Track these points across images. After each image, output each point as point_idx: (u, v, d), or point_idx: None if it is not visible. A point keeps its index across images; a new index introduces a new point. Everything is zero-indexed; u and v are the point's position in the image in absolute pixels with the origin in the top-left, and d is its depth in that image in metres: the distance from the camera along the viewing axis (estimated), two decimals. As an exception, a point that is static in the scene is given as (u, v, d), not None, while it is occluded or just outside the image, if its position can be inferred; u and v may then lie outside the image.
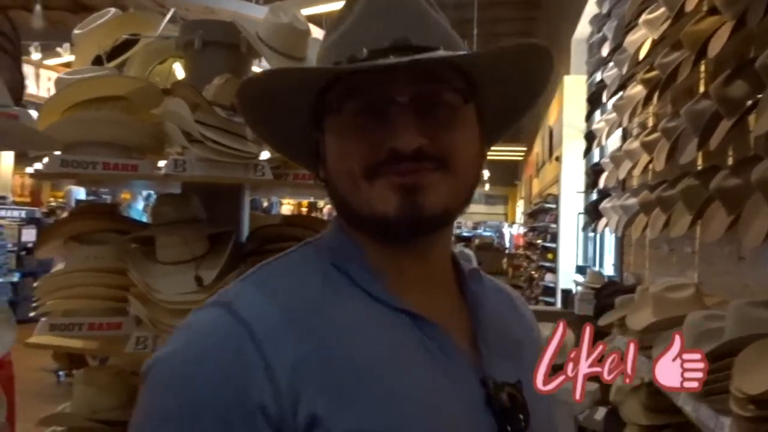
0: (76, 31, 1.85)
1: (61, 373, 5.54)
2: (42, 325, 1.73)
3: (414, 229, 0.63)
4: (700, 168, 2.24)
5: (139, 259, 1.67)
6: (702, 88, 2.39)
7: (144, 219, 2.43)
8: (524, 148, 14.96)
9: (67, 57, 5.24)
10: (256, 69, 1.90)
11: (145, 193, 6.58)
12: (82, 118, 1.64)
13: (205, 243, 1.68)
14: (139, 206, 6.47)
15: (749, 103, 1.70)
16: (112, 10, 1.90)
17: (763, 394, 1.21)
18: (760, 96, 1.62)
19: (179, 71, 2.06)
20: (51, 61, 6.97)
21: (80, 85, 1.62)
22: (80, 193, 8.08)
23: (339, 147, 0.64)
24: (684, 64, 2.22)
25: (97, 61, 1.84)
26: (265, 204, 6.85)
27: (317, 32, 2.85)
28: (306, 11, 5.24)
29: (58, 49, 6.50)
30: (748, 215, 1.63)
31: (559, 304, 6.05)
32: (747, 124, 1.83)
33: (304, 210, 13.34)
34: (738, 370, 1.36)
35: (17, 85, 0.89)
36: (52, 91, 1.72)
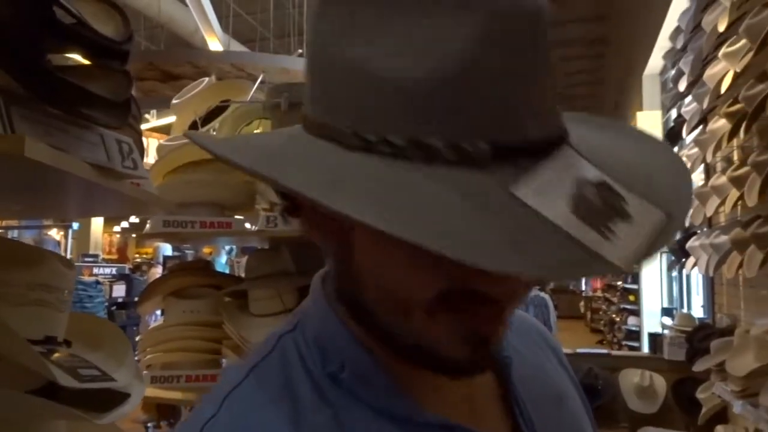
0: (174, 101, 1.99)
1: (150, 424, 5.72)
2: (144, 378, 1.82)
3: (479, 371, 0.47)
4: (798, 202, 2.13)
5: (233, 312, 1.74)
6: (793, 119, 2.29)
7: (227, 272, 2.53)
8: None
9: (154, 122, 5.62)
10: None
11: (227, 247, 6.85)
12: (182, 180, 1.75)
13: (295, 295, 1.74)
14: (222, 260, 6.73)
15: None
16: (206, 79, 2.05)
17: None
18: None
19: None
20: (143, 126, 7.49)
21: (180, 150, 1.74)
22: (167, 249, 8.49)
23: (387, 257, 0.43)
24: (772, 95, 2.15)
25: (193, 127, 1.97)
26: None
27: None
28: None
29: (146, 116, 6.98)
30: None
31: (645, 349, 5.77)
32: None
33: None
34: None
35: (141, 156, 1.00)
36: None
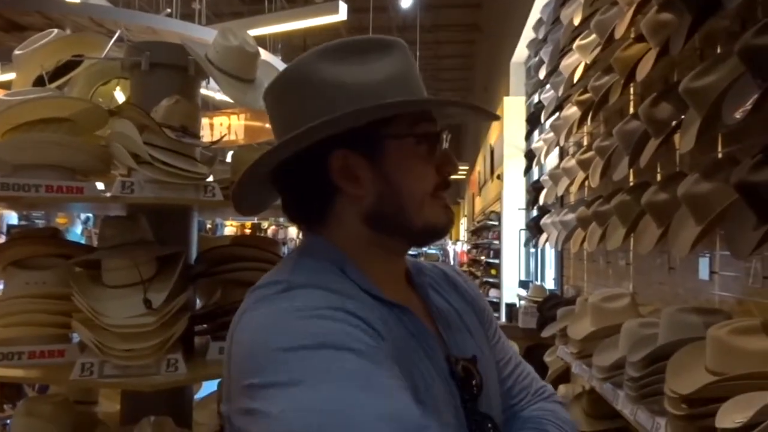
0: (16, 52, 1.80)
1: (-9, 407, 5.24)
2: (-23, 354, 1.66)
3: (440, 238, 0.82)
4: (632, 184, 2.37)
5: (84, 283, 1.63)
6: (632, 110, 2.54)
7: (83, 243, 2.36)
8: (466, 167, 15.28)
9: (1, 76, 5.06)
10: (203, 91, 1.89)
11: (83, 216, 6.37)
12: (24, 140, 1.60)
13: (153, 265, 1.66)
14: (77, 230, 6.25)
15: (674, 123, 1.83)
16: (55, 30, 1.87)
17: (694, 393, 1.30)
18: (683, 117, 1.74)
19: (119, 95, 2.04)
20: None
21: (21, 107, 1.59)
22: (12, 218, 7.72)
23: (412, 167, 0.76)
24: (615, 87, 2.36)
25: (39, 82, 1.80)
26: (209, 226, 6.75)
27: (265, 54, 2.87)
28: (253, 32, 5.26)
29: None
30: (676, 227, 1.74)
31: (503, 319, 6.18)
32: (673, 142, 1.96)
33: (248, 231, 13.15)
34: (670, 372, 1.45)
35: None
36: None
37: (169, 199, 1.57)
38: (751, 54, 1.22)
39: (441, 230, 0.79)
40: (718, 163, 1.60)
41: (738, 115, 1.34)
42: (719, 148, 1.84)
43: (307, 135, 0.71)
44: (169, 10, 6.48)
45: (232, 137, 6.72)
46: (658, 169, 2.31)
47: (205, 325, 1.88)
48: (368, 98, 0.72)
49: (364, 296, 0.74)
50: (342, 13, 5.31)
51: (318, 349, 0.61)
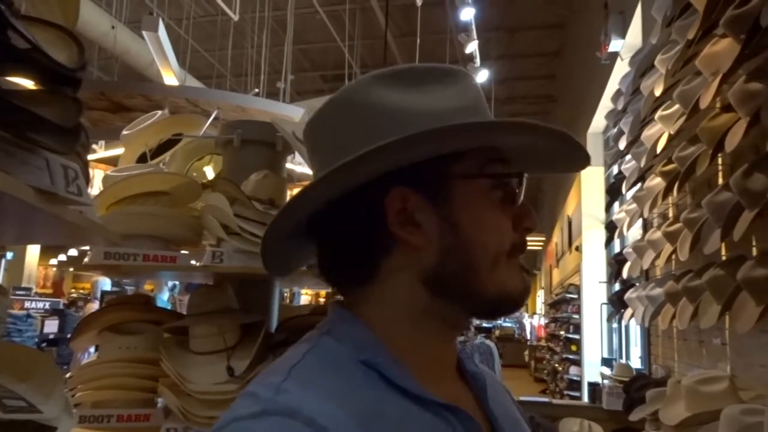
0: (124, 132, 1.97)
1: (75, 468, 5.39)
2: (72, 413, 1.74)
3: (515, 310, 0.65)
4: (724, 258, 2.25)
5: (172, 349, 1.69)
6: (720, 180, 2.44)
7: (169, 309, 2.46)
8: (543, 238, 14.98)
9: (102, 153, 5.50)
10: (289, 165, 1.98)
11: (170, 284, 6.66)
12: (126, 212, 1.72)
13: (237, 333, 1.71)
14: (164, 296, 6.53)
15: (770, 194, 1.74)
16: (158, 112, 2.04)
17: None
18: (780, 188, 1.66)
19: (209, 170, 2.17)
20: (90, 156, 7.28)
21: (127, 182, 1.71)
22: (106, 284, 8.18)
23: (486, 216, 0.61)
24: (702, 157, 2.29)
25: (142, 159, 1.95)
26: (287, 294, 6.88)
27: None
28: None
29: (94, 146, 6.83)
30: (778, 306, 1.63)
31: (585, 398, 5.85)
32: (768, 214, 1.86)
33: (323, 300, 13.31)
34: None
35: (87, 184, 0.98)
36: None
37: (255, 269, 1.63)
38: None
39: (518, 299, 0.63)
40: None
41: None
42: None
43: (360, 164, 0.57)
44: (257, 90, 6.91)
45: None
46: (753, 242, 2.19)
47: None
48: (434, 123, 0.58)
49: (395, 401, 0.58)
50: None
51: None
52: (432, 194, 0.61)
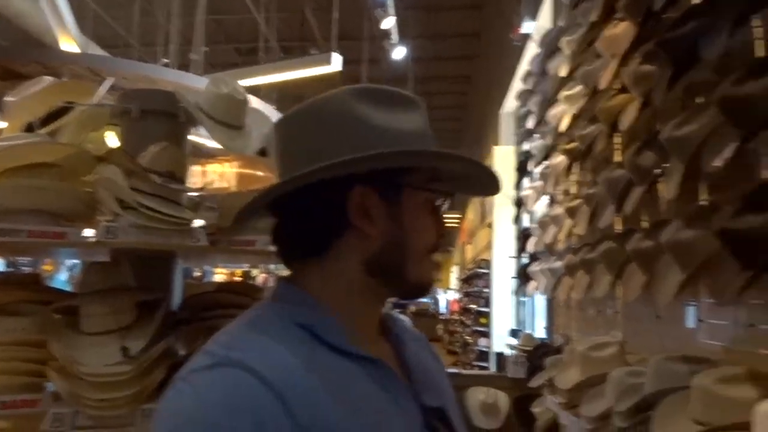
0: (8, 99, 1.82)
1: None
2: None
3: (424, 296, 0.84)
4: (618, 231, 2.38)
5: (61, 330, 1.60)
6: (617, 158, 2.58)
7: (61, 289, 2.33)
8: (458, 216, 15.35)
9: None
10: (197, 138, 1.91)
11: (69, 263, 6.31)
12: (11, 185, 1.60)
13: (133, 312, 1.63)
14: (62, 277, 6.18)
15: (658, 171, 1.85)
16: (47, 78, 1.90)
17: (682, 445, 1.27)
18: (666, 165, 1.77)
19: (114, 140, 2.05)
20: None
21: (10, 152, 1.59)
22: (-1, 263, 7.64)
23: (421, 221, 0.79)
24: (600, 136, 2.40)
25: (29, 129, 1.81)
26: (198, 273, 6.70)
27: (258, 103, 2.91)
28: (247, 82, 5.34)
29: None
30: (660, 275, 1.74)
31: (493, 368, 6.10)
32: (656, 190, 1.98)
33: (238, 279, 13.04)
34: (657, 422, 1.43)
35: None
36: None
37: (152, 243, 1.56)
38: (729, 104, 1.25)
39: (428, 289, 0.81)
40: (702, 211, 1.61)
41: (718, 164, 1.36)
42: (703, 196, 1.86)
43: (343, 166, 0.72)
44: (166, 60, 6.59)
45: (224, 185, 6.74)
46: (644, 217, 2.33)
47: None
48: (401, 145, 0.75)
49: (327, 356, 0.72)
50: (336, 65, 5.41)
51: None
52: (387, 196, 0.76)
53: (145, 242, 1.56)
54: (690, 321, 2.03)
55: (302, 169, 0.73)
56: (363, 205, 0.75)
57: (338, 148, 0.73)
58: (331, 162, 0.72)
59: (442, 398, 0.83)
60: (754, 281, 1.18)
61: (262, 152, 1.88)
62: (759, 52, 1.27)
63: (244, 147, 1.78)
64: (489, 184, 0.84)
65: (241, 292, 1.94)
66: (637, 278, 1.94)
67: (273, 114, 2.93)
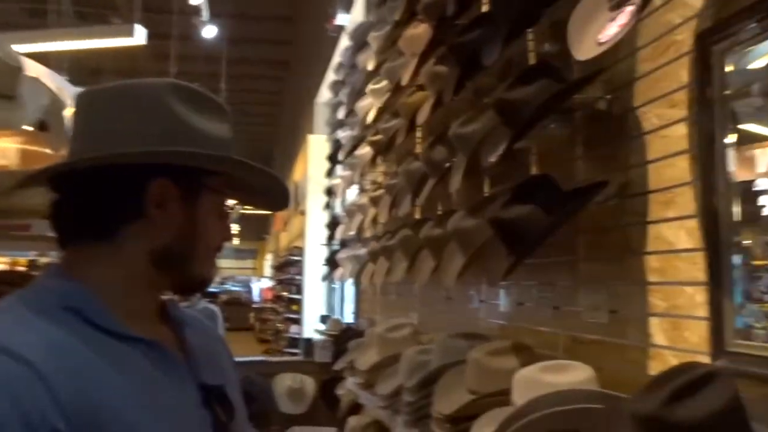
0: None
1: None
2: None
3: (202, 291, 0.92)
4: (415, 220, 2.55)
5: None
6: (417, 151, 2.75)
7: None
8: (273, 203, 15.19)
9: None
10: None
11: None
12: None
13: None
14: None
15: (448, 165, 2.01)
16: None
17: (455, 413, 1.41)
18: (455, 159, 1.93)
19: None
20: None
21: None
22: None
23: (212, 222, 0.82)
24: (401, 130, 2.54)
25: None
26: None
27: (39, 69, 2.60)
28: (34, 47, 4.72)
29: None
30: (446, 259, 1.90)
31: (302, 354, 6.18)
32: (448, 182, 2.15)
33: (19, 269, 11.64)
34: (439, 394, 1.56)
35: None
36: None
37: None
38: (501, 106, 1.40)
39: (207, 284, 0.86)
40: (482, 202, 1.79)
41: (493, 159, 1.52)
42: (485, 189, 2.06)
43: (148, 156, 0.74)
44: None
45: (3, 162, 5.92)
46: (439, 207, 2.52)
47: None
48: (209, 148, 0.77)
49: (96, 339, 0.71)
50: (139, 38, 5.01)
51: None
52: (186, 193, 0.78)
53: None
54: (475, 301, 2.24)
55: (104, 149, 0.73)
56: (161, 197, 0.76)
57: (147, 136, 0.74)
58: (148, 149, 0.74)
59: (222, 378, 0.85)
60: (517, 266, 1.34)
61: (41, 126, 1.69)
62: (531, 60, 1.44)
63: (16, 120, 1.59)
64: (280, 199, 0.90)
65: (11, 282, 1.74)
66: (428, 263, 2.10)
67: (63, 85, 2.64)
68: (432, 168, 2.05)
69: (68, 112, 2.17)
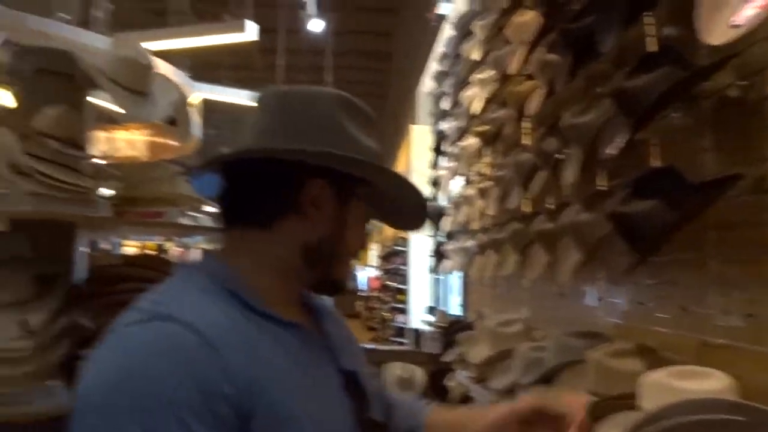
0: None
1: None
2: None
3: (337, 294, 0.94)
4: (525, 213, 2.49)
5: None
6: (525, 142, 2.68)
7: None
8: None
9: None
10: (91, 99, 1.82)
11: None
12: None
13: (31, 285, 1.56)
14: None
15: (560, 156, 1.94)
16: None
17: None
18: (568, 151, 1.86)
19: (4, 99, 1.92)
20: None
21: None
22: None
23: (356, 229, 0.88)
24: (509, 120, 2.48)
25: None
26: (106, 246, 6.40)
27: (165, 66, 2.78)
28: (156, 45, 5.05)
29: None
30: (561, 255, 1.84)
31: (410, 344, 6.24)
32: (560, 174, 2.08)
33: (150, 253, 12.59)
34: (554, 393, 1.52)
35: None
36: None
37: (49, 213, 1.48)
38: (620, 95, 1.33)
39: (342, 287, 0.90)
40: (599, 195, 1.71)
41: (612, 152, 1.45)
42: (601, 182, 1.97)
43: (322, 157, 0.80)
44: (62, 14, 6.13)
45: (135, 153, 6.42)
46: (549, 200, 2.44)
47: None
48: (366, 158, 0.83)
49: (253, 319, 0.76)
50: (250, 33, 5.20)
51: (131, 413, 0.63)
52: (341, 197, 0.85)
53: (42, 212, 1.48)
54: (591, 299, 2.15)
55: (276, 145, 0.81)
56: (318, 197, 0.83)
57: (317, 139, 0.81)
58: (321, 150, 0.79)
59: (357, 365, 0.91)
60: (639, 264, 1.27)
61: (171, 121, 1.81)
62: (650, 47, 1.36)
63: (149, 115, 1.72)
64: (416, 220, 0.96)
65: (150, 266, 1.89)
66: (540, 258, 2.04)
67: (185, 81, 2.81)
68: (543, 160, 1.99)
69: (192, 106, 2.31)
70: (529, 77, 2.25)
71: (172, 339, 0.67)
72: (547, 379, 1.69)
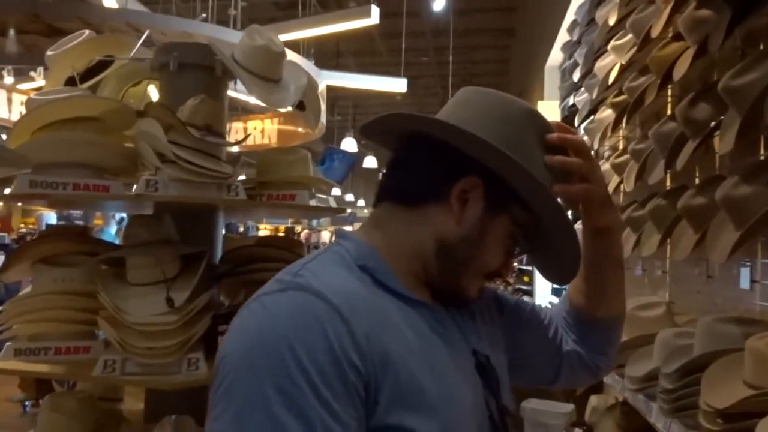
0: (49, 53, 1.83)
1: (27, 403, 5.37)
2: (6, 350, 1.69)
3: (457, 308, 0.88)
4: (668, 188, 2.29)
5: (109, 280, 1.64)
6: (669, 111, 2.45)
7: (117, 243, 2.39)
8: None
9: (41, 81, 5.18)
10: (238, 95, 1.90)
11: (118, 217, 6.50)
12: (54, 138, 1.62)
13: (176, 264, 1.67)
14: (111, 230, 6.37)
15: (713, 124, 1.75)
16: (86, 32, 1.89)
17: (731, 408, 1.23)
18: (722, 117, 1.67)
19: (154, 94, 2.05)
20: (24, 86, 6.79)
21: (52, 106, 1.61)
22: (51, 218, 7.92)
23: (497, 246, 0.83)
24: (650, 88, 2.28)
25: (70, 83, 1.82)
26: (241, 229, 6.83)
27: (293, 56, 2.87)
28: (285, 36, 5.29)
29: (32, 74, 6.42)
30: (713, 233, 1.66)
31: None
32: (712, 144, 1.88)
33: (281, 235, 13.24)
34: (706, 385, 1.38)
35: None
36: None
37: (192, 197, 1.57)
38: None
39: (465, 303, 0.87)
40: (760, 166, 1.52)
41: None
42: (761, 150, 1.76)
43: (494, 153, 0.78)
44: (204, 15, 6.58)
45: (265, 141, 6.77)
46: (696, 173, 2.23)
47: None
48: (541, 178, 0.81)
49: (384, 296, 0.77)
50: (374, 18, 5.30)
51: (266, 372, 0.64)
52: (489, 204, 0.81)
53: (185, 196, 1.57)
54: (744, 282, 1.95)
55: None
56: (466, 192, 0.80)
57: (500, 139, 0.78)
58: (499, 147, 0.77)
59: (487, 347, 0.89)
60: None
61: (300, 106, 1.85)
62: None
63: (282, 101, 1.76)
64: (568, 272, 0.90)
65: (281, 247, 1.95)
66: (687, 237, 1.87)
67: (311, 69, 2.88)
68: (692, 128, 1.80)
69: (319, 92, 2.36)
70: (675, 39, 2.05)
71: (306, 306, 0.69)
72: (695, 368, 1.54)
